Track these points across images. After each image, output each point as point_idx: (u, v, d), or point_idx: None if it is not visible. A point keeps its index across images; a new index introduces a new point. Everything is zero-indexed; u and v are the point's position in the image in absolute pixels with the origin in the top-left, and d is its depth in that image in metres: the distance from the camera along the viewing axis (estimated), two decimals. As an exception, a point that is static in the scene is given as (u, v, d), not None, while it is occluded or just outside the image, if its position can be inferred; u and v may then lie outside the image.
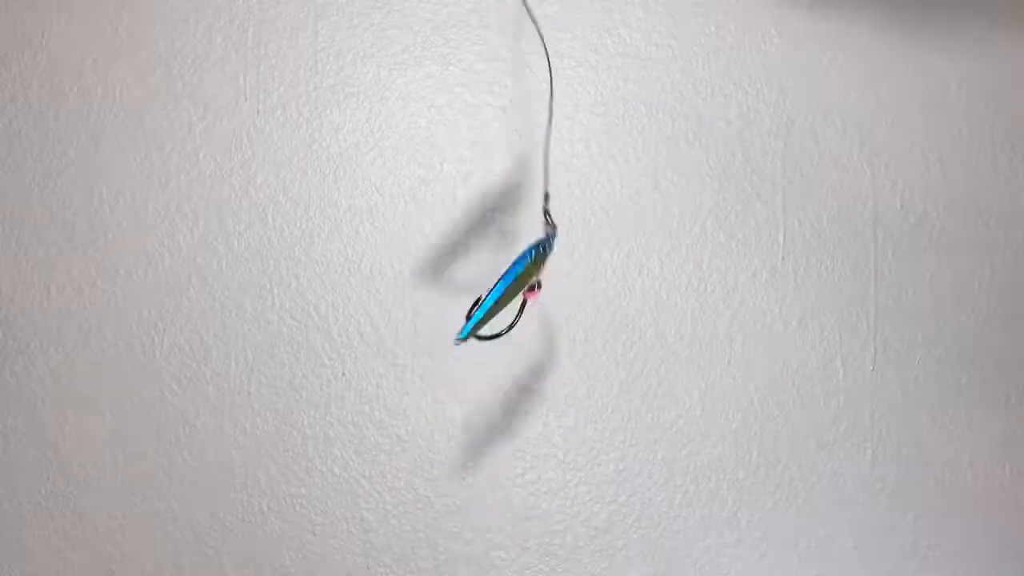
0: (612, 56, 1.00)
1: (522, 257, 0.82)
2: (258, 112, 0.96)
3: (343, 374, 0.96)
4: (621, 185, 1.00)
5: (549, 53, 0.95)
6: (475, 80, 0.98)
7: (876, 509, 1.02)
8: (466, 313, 0.80)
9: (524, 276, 0.83)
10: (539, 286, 0.84)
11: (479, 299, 0.81)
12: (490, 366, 0.97)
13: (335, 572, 0.96)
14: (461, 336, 0.80)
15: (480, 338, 0.82)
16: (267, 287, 0.96)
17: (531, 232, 0.98)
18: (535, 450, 0.98)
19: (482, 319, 0.81)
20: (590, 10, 1.00)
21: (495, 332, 0.83)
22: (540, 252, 0.83)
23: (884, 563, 1.03)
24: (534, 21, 0.92)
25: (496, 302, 0.81)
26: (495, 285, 0.81)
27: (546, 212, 0.87)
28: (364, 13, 0.97)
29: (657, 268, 1.00)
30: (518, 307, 0.83)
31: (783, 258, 1.02)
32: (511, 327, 0.83)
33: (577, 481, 0.99)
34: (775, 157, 1.02)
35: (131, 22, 0.95)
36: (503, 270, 0.81)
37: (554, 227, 0.85)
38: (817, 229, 1.02)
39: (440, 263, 0.97)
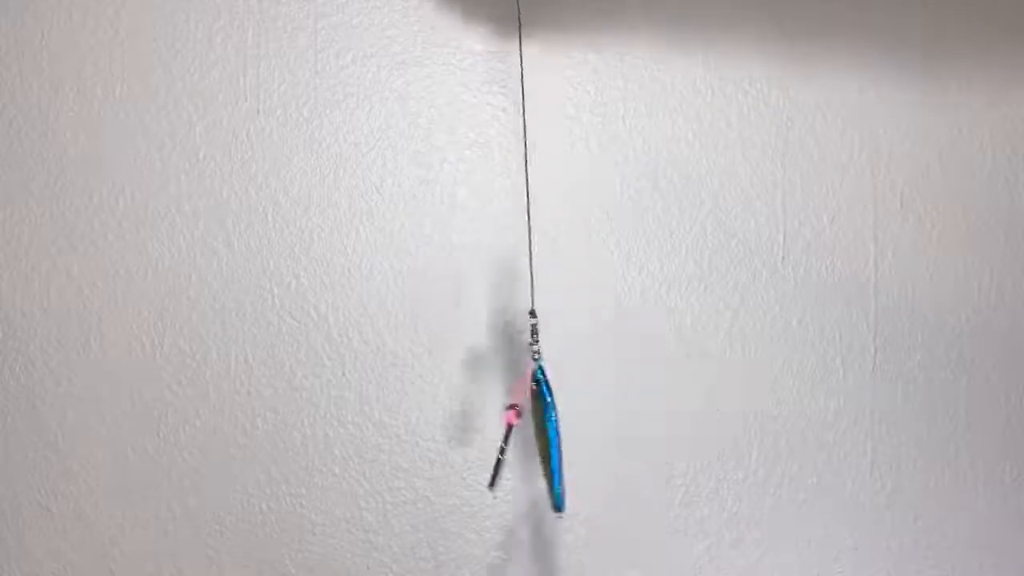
0: (612, 56, 1.00)
1: (548, 414, 0.90)
2: (258, 112, 0.96)
3: (343, 374, 0.96)
4: (621, 185, 1.00)
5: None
6: (475, 80, 0.98)
7: (876, 509, 1.02)
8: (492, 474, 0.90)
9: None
10: (513, 408, 0.90)
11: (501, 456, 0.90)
12: (490, 367, 0.97)
13: (335, 572, 0.96)
14: (561, 510, 0.91)
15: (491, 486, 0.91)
16: (267, 287, 0.96)
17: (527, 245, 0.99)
18: (534, 450, 0.98)
19: (558, 480, 0.90)
20: (591, 10, 1.00)
21: (495, 471, 0.90)
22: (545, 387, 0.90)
23: (884, 563, 1.03)
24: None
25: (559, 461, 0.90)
26: (552, 454, 0.90)
27: (533, 332, 0.91)
28: (364, 13, 0.97)
29: (657, 268, 1.00)
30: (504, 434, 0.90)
31: (783, 258, 1.02)
32: (502, 455, 0.90)
33: (577, 481, 0.99)
34: (775, 157, 1.02)
35: (131, 22, 0.95)
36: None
37: (539, 355, 0.91)
38: (817, 229, 1.02)
39: (440, 263, 0.97)
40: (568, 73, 0.99)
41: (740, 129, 1.01)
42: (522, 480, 0.98)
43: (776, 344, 1.01)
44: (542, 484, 0.95)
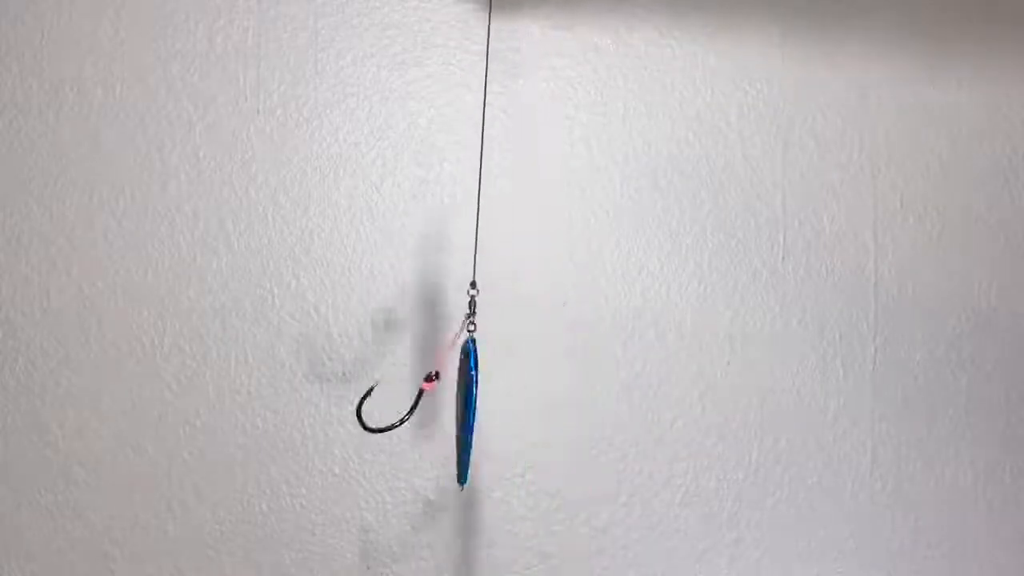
0: (612, 56, 1.00)
1: (472, 388, 0.86)
2: (258, 112, 0.96)
3: (343, 374, 0.96)
4: (621, 185, 1.00)
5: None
6: (475, 80, 0.98)
7: (876, 509, 1.02)
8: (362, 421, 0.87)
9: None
10: (437, 376, 0.87)
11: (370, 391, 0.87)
12: (490, 367, 0.97)
13: (335, 572, 0.96)
14: (464, 483, 0.88)
15: (374, 430, 0.86)
16: (267, 287, 0.96)
17: (527, 247, 0.99)
18: (535, 450, 0.98)
19: (467, 457, 0.87)
20: (591, 10, 1.00)
21: (390, 424, 0.86)
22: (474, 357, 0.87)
23: (884, 563, 1.03)
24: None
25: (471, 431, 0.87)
26: (467, 421, 0.86)
27: (471, 305, 0.88)
28: (364, 13, 0.97)
29: (657, 268, 1.00)
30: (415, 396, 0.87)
31: (783, 258, 1.02)
32: (409, 415, 0.86)
33: (577, 481, 0.99)
34: (775, 157, 1.02)
35: (131, 22, 0.95)
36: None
37: (473, 325, 0.88)
38: (817, 229, 1.02)
39: (439, 263, 0.97)
40: (568, 73, 0.99)
41: (740, 129, 1.01)
42: (521, 479, 0.98)
43: (776, 344, 1.01)
44: (542, 485, 0.95)
